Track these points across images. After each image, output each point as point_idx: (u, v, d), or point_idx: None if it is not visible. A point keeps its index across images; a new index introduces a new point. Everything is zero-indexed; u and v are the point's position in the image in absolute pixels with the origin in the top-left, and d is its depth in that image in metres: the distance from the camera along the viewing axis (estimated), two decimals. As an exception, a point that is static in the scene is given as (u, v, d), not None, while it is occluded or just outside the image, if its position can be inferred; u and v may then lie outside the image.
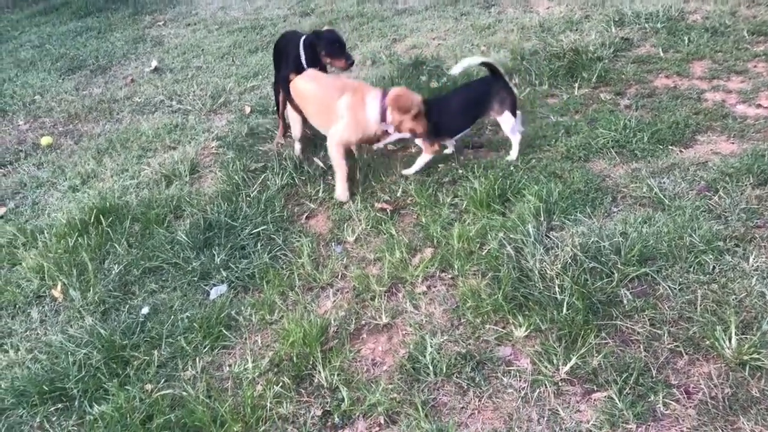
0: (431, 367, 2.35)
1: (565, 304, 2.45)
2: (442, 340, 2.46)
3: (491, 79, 3.49)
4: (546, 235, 2.83)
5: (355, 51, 5.45)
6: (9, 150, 4.68)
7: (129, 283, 3.01)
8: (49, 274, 3.09)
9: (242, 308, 2.77)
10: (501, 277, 2.64)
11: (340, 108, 3.35)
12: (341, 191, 3.41)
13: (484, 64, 3.48)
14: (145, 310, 2.81)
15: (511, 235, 2.84)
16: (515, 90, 3.62)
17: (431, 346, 2.42)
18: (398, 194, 3.36)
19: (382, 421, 2.20)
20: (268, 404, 2.28)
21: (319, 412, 2.25)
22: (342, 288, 2.84)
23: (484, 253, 2.81)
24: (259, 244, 3.15)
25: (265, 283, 2.89)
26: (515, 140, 3.51)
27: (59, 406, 2.39)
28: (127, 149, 4.39)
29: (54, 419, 2.35)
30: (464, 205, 3.18)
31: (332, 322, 2.61)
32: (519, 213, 2.98)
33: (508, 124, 3.46)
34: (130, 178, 3.97)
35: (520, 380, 2.28)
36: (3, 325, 2.88)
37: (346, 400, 2.27)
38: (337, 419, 2.23)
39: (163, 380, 2.44)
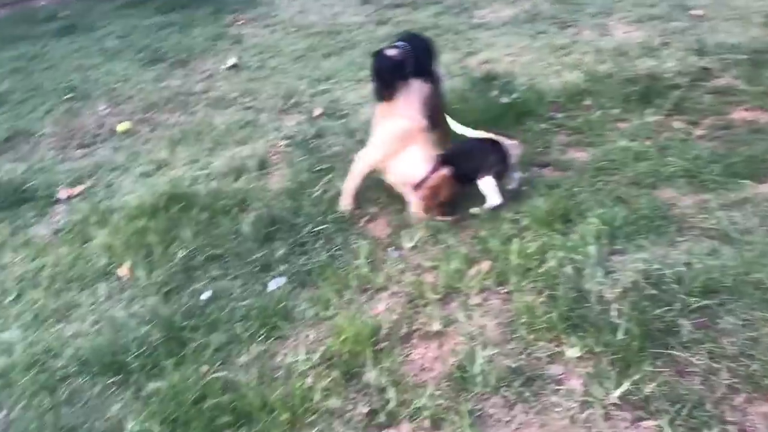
0: (480, 378, 2.35)
1: (621, 328, 2.42)
2: (493, 352, 2.46)
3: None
4: (607, 259, 2.80)
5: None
6: (89, 133, 4.89)
7: (192, 268, 3.11)
8: (117, 253, 3.22)
9: (298, 302, 2.83)
10: (557, 296, 2.62)
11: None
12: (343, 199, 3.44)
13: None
14: (207, 294, 2.90)
15: (572, 256, 2.83)
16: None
17: (481, 358, 2.42)
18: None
19: (427, 425, 2.22)
20: (317, 397, 2.32)
21: (365, 410, 2.28)
22: (396, 292, 2.87)
23: (541, 271, 2.80)
24: (318, 243, 3.21)
25: (321, 280, 2.94)
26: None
27: (118, 378, 2.49)
28: (199, 141, 4.53)
29: (112, 390, 2.45)
30: (525, 222, 3.17)
31: (384, 324, 2.64)
32: (581, 234, 2.96)
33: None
34: (200, 169, 4.10)
35: (569, 400, 2.25)
36: (72, 297, 3.01)
37: (393, 400, 2.30)
38: (382, 418, 2.25)
39: (218, 363, 2.51)
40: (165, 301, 2.89)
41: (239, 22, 7.38)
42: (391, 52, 3.58)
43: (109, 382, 2.48)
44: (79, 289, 3.04)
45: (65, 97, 5.58)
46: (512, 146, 3.44)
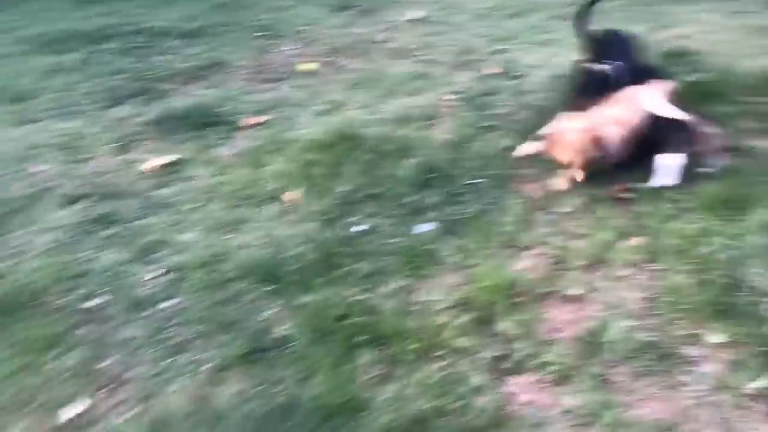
0: (611, 346, 2.35)
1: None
2: (629, 324, 2.44)
3: None
4: (770, 250, 2.65)
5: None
6: (275, 69, 5.26)
7: (350, 202, 3.31)
8: (286, 180, 3.50)
9: (443, 248, 2.95)
10: (709, 281, 2.54)
11: None
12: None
13: None
14: (361, 227, 3.09)
15: (733, 243, 2.71)
16: None
17: (616, 327, 2.42)
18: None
19: (551, 379, 2.26)
20: (448, 335, 2.44)
21: (492, 354, 2.37)
22: (541, 254, 2.90)
23: (696, 254, 2.71)
24: (470, 195, 3.30)
25: (468, 231, 3.03)
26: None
27: (273, 287, 2.74)
28: (374, 88, 4.74)
29: (267, 297, 2.71)
30: (689, 204, 3.06)
31: (524, 280, 2.69)
32: (748, 224, 2.83)
33: None
34: (371, 114, 4.30)
35: (700, 383, 2.20)
36: (243, 213, 3.32)
37: (521, 351, 2.36)
38: (508, 365, 2.33)
39: (362, 289, 2.69)
40: (323, 227, 3.11)
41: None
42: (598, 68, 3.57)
43: (265, 290, 2.74)
44: (250, 207, 3.35)
45: (257, 35, 6.00)
46: (708, 131, 3.30)
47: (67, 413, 2.21)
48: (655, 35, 5.17)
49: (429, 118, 4.16)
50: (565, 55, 4.56)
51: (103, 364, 2.44)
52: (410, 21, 6.08)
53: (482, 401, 2.19)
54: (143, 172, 3.74)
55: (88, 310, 2.71)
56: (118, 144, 4.08)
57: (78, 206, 3.44)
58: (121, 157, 3.94)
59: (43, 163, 3.90)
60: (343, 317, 2.52)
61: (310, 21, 6.28)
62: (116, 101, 4.71)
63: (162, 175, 3.72)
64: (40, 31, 6.34)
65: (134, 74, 5.18)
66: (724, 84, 4.16)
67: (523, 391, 2.25)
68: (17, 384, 2.35)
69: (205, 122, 4.27)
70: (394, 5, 6.56)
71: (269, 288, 2.75)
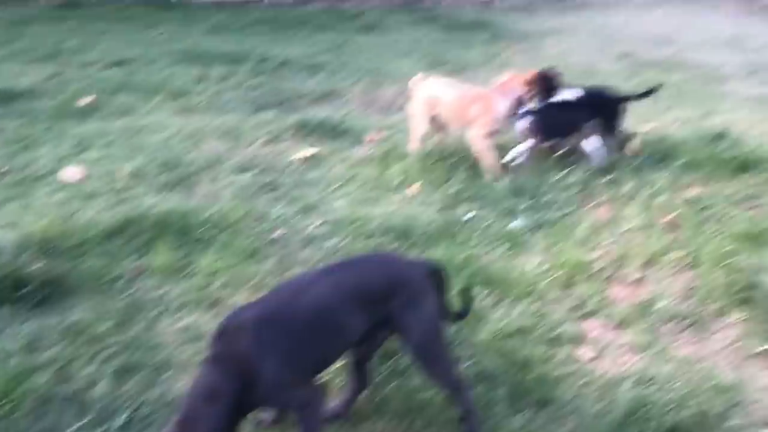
0: (659, 312, 3.24)
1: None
2: (673, 302, 3.33)
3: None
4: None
5: (669, 112, 6.32)
6: (386, 103, 6.30)
7: (459, 200, 4.27)
8: (408, 178, 4.48)
9: (532, 237, 3.88)
10: (734, 281, 3.44)
11: None
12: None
13: None
14: (469, 215, 4.06)
15: (755, 257, 3.61)
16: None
17: (665, 300, 3.31)
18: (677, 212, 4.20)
19: (613, 324, 3.16)
20: (540, 287, 3.35)
21: (572, 304, 3.28)
22: (608, 252, 3.77)
23: (724, 265, 3.61)
24: (553, 207, 4.23)
25: (552, 229, 3.97)
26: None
27: (407, 242, 3.70)
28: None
29: (402, 249, 3.66)
30: (727, 235, 3.95)
31: (596, 264, 3.60)
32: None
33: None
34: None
35: (722, 341, 3.08)
36: (376, 195, 4.29)
37: (592, 304, 3.27)
38: (585, 310, 3.24)
39: (475, 253, 3.62)
40: (441, 212, 4.08)
41: (510, 51, 8.65)
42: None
43: (401, 245, 3.69)
44: (381, 191, 4.33)
45: (366, 77, 7.11)
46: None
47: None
48: (703, 119, 6.13)
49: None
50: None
51: (289, 272, 3.39)
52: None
53: (566, 327, 3.10)
54: (293, 160, 4.74)
55: (273, 239, 3.68)
56: (269, 137, 5.12)
57: (247, 175, 4.46)
58: (272, 147, 4.98)
59: (213, 142, 4.95)
60: (463, 267, 3.44)
61: (410, 72, 7.35)
62: (260, 107, 5.82)
63: (306, 163, 4.73)
64: (183, 47, 7.55)
65: (270, 90, 6.29)
66: (758, 159, 5.06)
67: (592, 328, 3.16)
68: (234, 272, 3.31)
69: (335, 131, 5.29)
70: (480, 69, 7.61)
71: (404, 243, 3.71)
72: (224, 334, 2.05)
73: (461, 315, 2.61)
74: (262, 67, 7.09)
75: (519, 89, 4.60)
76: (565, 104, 4.82)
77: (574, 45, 9.25)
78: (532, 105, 4.67)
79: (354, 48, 8.33)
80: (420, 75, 4.93)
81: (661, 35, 10.13)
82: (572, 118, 4.79)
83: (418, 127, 4.70)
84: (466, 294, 2.64)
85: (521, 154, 4.67)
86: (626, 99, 5.20)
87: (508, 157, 4.67)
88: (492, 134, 4.62)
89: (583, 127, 4.74)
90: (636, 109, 6.33)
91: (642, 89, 5.31)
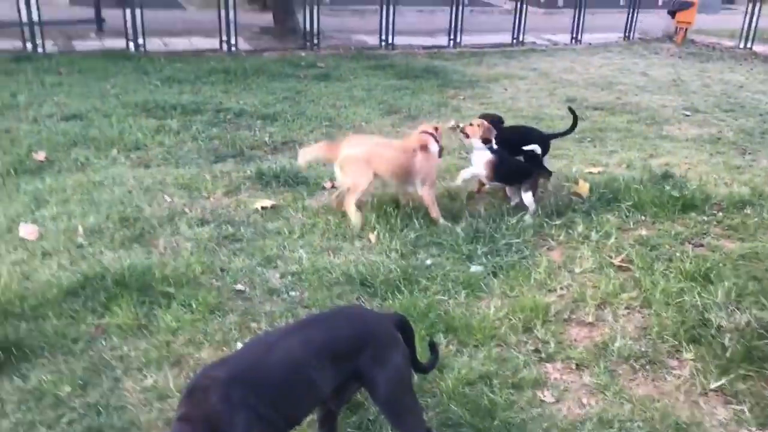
0: (616, 351, 3.35)
1: (728, 348, 3.33)
2: (628, 342, 3.44)
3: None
4: (729, 305, 3.71)
5: (615, 155, 6.57)
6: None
7: (419, 245, 4.35)
8: (368, 225, 4.55)
9: (490, 282, 3.97)
10: (686, 320, 3.57)
11: None
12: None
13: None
14: (429, 261, 4.14)
15: (704, 298, 3.76)
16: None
17: (619, 341, 3.42)
18: (627, 252, 4.37)
19: (573, 366, 3.25)
20: (500, 333, 3.43)
21: (532, 347, 3.36)
22: (563, 295, 3.92)
23: (677, 302, 3.75)
24: (509, 252, 4.35)
25: (510, 273, 4.07)
26: (529, 215, 4.85)
27: (369, 291, 3.75)
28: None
29: (364, 296, 3.71)
30: (672, 273, 4.11)
31: (553, 307, 3.71)
32: (715, 288, 3.88)
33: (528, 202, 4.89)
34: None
35: (678, 379, 3.20)
36: (337, 243, 4.33)
37: (552, 347, 3.36)
38: (543, 355, 3.32)
39: (437, 296, 3.70)
40: (400, 258, 4.15)
41: (459, 97, 8.89)
42: None
43: (363, 293, 3.74)
44: (341, 240, 4.39)
45: (323, 125, 7.22)
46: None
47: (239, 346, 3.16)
48: (646, 161, 6.40)
49: (471, 197, 5.27)
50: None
51: (253, 325, 3.41)
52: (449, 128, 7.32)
53: (526, 372, 3.17)
54: (255, 210, 4.77)
55: (236, 292, 3.69)
56: (228, 189, 5.15)
57: (207, 227, 4.46)
58: (232, 198, 5.01)
59: (171, 195, 4.95)
60: (425, 313, 3.51)
61: (365, 119, 7.52)
62: (218, 158, 5.85)
63: (266, 214, 4.77)
64: (139, 99, 7.55)
65: (228, 141, 6.32)
66: (700, 200, 5.23)
67: (554, 370, 3.24)
68: (196, 328, 3.31)
69: (294, 181, 5.35)
70: (431, 115, 7.82)
71: (366, 291, 3.76)
72: (194, 393, 2.06)
73: (428, 367, 2.66)
74: (218, 118, 7.14)
75: (437, 137, 4.84)
76: (524, 154, 5.11)
77: (521, 90, 9.58)
78: (491, 146, 4.92)
79: (309, 96, 8.45)
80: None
81: (603, 80, 10.57)
82: (527, 168, 5.03)
83: (357, 186, 4.64)
84: (433, 346, 2.69)
85: (467, 179, 5.04)
86: (554, 136, 5.66)
87: (457, 181, 5.02)
88: (432, 184, 4.79)
89: (530, 179, 4.95)
90: (584, 152, 6.61)
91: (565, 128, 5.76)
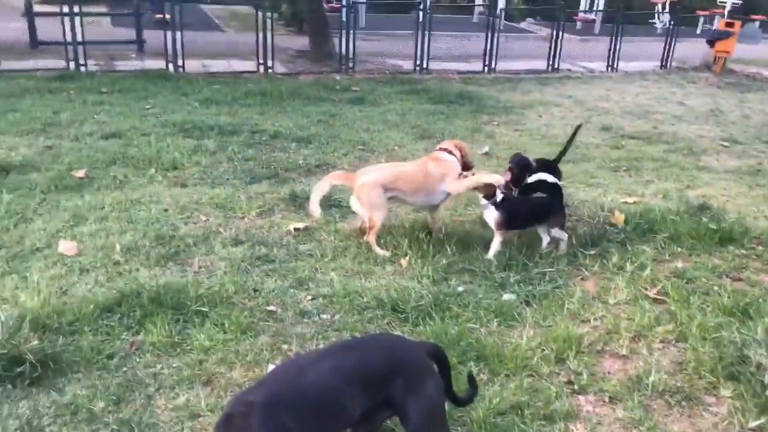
0: (651, 385, 3.28)
1: (768, 385, 3.25)
2: (663, 377, 3.38)
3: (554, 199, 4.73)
4: (769, 342, 3.62)
5: (651, 185, 6.50)
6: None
7: (450, 272, 4.34)
8: (400, 250, 4.55)
9: (523, 312, 3.94)
10: (724, 356, 3.49)
11: None
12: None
13: (554, 185, 4.80)
14: (461, 288, 4.12)
15: (743, 334, 3.67)
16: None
17: (654, 376, 3.35)
18: (663, 284, 4.30)
19: (606, 399, 3.20)
20: (532, 363, 3.39)
21: (564, 379, 3.31)
22: (597, 326, 3.87)
23: (714, 337, 3.68)
24: (543, 281, 4.31)
25: (542, 302, 4.03)
26: (564, 244, 4.71)
27: (400, 317, 3.74)
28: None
29: (396, 322, 3.70)
30: (710, 308, 4.03)
31: (586, 338, 3.66)
32: (754, 324, 3.79)
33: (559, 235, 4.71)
34: (454, 215, 5.38)
35: (715, 416, 3.13)
36: (368, 267, 4.34)
37: (584, 379, 3.31)
38: (576, 387, 3.27)
39: (468, 324, 3.67)
40: (432, 284, 4.13)
41: (493, 123, 8.89)
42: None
43: (394, 319, 3.74)
44: (373, 264, 4.39)
45: (356, 149, 7.28)
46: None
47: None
48: (683, 192, 6.31)
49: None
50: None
51: (284, 346, 3.42)
52: (482, 154, 7.32)
53: (559, 403, 3.13)
54: (288, 231, 4.81)
55: (267, 313, 3.71)
56: (262, 209, 5.20)
57: (241, 247, 4.51)
58: (266, 219, 5.05)
59: (207, 215, 5.02)
60: (456, 341, 3.49)
61: (398, 143, 7.57)
62: (254, 179, 5.92)
63: (299, 235, 4.80)
64: (177, 119, 7.70)
65: (263, 162, 6.40)
66: (739, 233, 5.17)
67: (587, 403, 3.19)
68: (228, 348, 3.33)
69: (327, 203, 5.38)
70: (466, 140, 7.82)
71: (397, 317, 3.75)
72: (232, 421, 2.06)
73: (466, 400, 2.65)
74: (254, 139, 7.24)
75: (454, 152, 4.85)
76: (532, 196, 4.93)
77: (556, 117, 9.56)
78: (499, 195, 4.60)
79: (344, 119, 8.53)
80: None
81: (639, 108, 10.50)
82: (539, 210, 4.78)
83: (375, 222, 4.62)
84: (472, 379, 2.68)
85: (498, 249, 4.64)
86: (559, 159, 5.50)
87: (490, 255, 4.60)
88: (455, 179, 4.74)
89: (551, 216, 4.73)
90: (619, 181, 6.55)
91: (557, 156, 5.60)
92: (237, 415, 2.06)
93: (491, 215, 4.64)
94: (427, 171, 4.71)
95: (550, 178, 4.89)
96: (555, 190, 4.86)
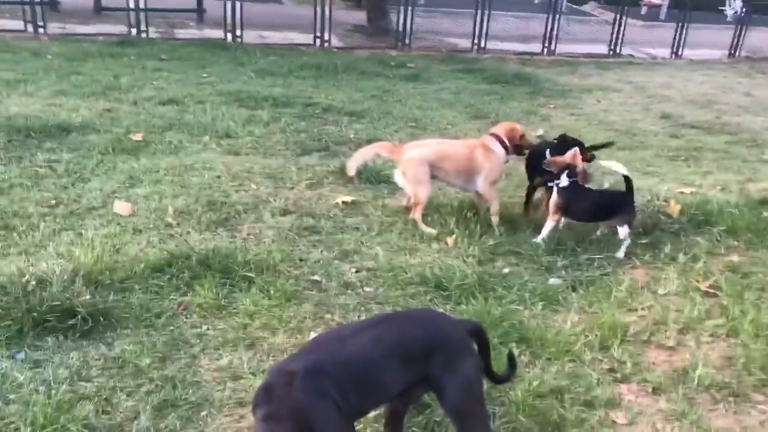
0: (697, 379, 3.20)
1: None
2: (710, 371, 3.29)
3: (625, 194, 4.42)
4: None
5: (709, 176, 6.30)
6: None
7: (497, 253, 4.30)
8: (447, 229, 4.53)
9: (569, 297, 3.88)
10: (775, 353, 3.39)
11: None
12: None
13: (625, 177, 4.41)
14: (506, 269, 4.08)
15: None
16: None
17: (701, 369, 3.27)
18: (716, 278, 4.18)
19: (649, 389, 3.14)
20: (575, 348, 3.34)
21: (607, 367, 3.26)
22: (645, 316, 3.79)
23: (765, 335, 3.56)
24: (591, 267, 4.24)
25: (589, 288, 3.97)
26: (624, 246, 4.42)
27: (443, 294, 3.73)
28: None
29: (438, 299, 3.69)
30: (763, 304, 3.91)
31: (632, 327, 3.59)
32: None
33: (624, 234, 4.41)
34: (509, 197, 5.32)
35: (763, 414, 3.04)
36: (414, 244, 4.34)
37: (628, 368, 3.25)
38: (618, 375, 3.22)
39: (512, 308, 3.64)
40: (477, 264, 4.10)
41: (550, 105, 8.74)
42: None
43: (437, 296, 3.73)
44: (419, 241, 4.38)
45: (408, 126, 7.25)
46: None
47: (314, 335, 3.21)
48: (744, 185, 6.10)
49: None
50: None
51: (327, 316, 3.45)
52: (537, 136, 7.20)
53: (600, 390, 3.08)
54: (336, 204, 4.84)
55: (312, 282, 3.75)
56: (312, 181, 5.24)
57: (289, 217, 4.56)
58: (315, 191, 5.09)
59: (258, 184, 5.08)
60: (499, 322, 3.46)
61: (451, 122, 7.52)
62: (305, 151, 5.97)
63: (346, 209, 4.82)
64: (232, 89, 7.79)
65: (314, 135, 6.44)
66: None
67: (629, 392, 3.13)
68: (272, 314, 3.38)
69: (376, 178, 5.39)
70: (519, 122, 7.72)
71: (440, 294, 3.74)
72: (273, 391, 2.08)
73: (504, 378, 2.63)
74: (307, 111, 7.28)
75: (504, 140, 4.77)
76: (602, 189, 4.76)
77: (615, 103, 9.33)
78: (564, 180, 4.42)
79: (397, 96, 8.50)
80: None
81: (702, 98, 10.17)
82: (607, 206, 4.52)
83: (420, 199, 4.61)
84: (511, 357, 2.65)
85: (549, 233, 4.51)
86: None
87: (539, 238, 4.49)
88: (493, 183, 4.76)
89: (619, 213, 4.46)
90: (676, 170, 6.37)
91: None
92: (278, 385, 2.08)
93: (552, 197, 4.54)
94: (473, 156, 4.66)
95: (622, 169, 4.47)
96: (626, 183, 4.46)
